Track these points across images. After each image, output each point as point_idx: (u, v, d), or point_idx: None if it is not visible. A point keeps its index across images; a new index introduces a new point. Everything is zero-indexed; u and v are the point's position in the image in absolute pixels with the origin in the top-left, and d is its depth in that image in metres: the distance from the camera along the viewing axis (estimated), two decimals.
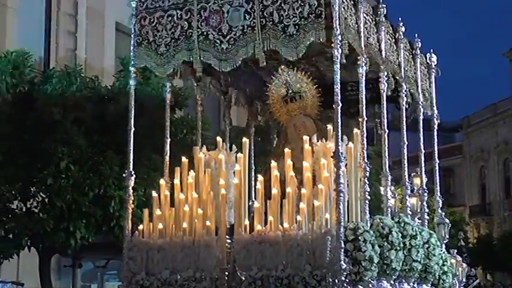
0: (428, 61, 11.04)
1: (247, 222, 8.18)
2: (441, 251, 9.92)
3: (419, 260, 8.91)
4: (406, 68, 10.31)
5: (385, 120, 9.50)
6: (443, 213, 10.40)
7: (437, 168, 10.76)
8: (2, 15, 18.32)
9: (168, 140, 9.62)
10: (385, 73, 9.52)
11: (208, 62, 8.73)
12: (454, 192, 50.46)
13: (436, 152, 10.78)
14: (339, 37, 8.07)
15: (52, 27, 19.56)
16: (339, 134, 8.00)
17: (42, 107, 12.51)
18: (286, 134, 10.03)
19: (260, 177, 8.63)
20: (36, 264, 13.83)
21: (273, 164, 8.72)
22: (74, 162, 12.25)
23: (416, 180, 10.39)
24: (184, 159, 9.14)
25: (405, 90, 10.20)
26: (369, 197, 8.38)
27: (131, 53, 9.03)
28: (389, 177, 9.00)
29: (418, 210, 10.26)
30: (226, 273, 7.99)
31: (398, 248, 8.39)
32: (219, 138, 9.60)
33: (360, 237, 7.83)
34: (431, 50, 11.10)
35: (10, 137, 12.44)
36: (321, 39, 8.14)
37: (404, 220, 8.93)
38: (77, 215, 12.25)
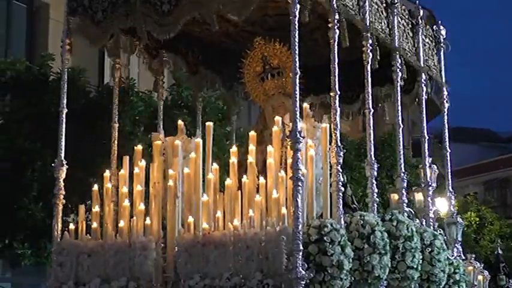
0: (435, 34, 9.35)
1: (191, 219, 6.64)
2: (450, 255, 8.23)
3: (415, 266, 7.25)
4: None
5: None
6: (455, 212, 8.67)
7: (448, 157, 9.04)
8: (57, 31, 17.41)
9: (116, 125, 8.20)
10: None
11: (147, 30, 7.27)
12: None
13: (447, 136, 9.06)
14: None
15: None
16: (296, 107, 6.41)
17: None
18: (265, 117, 8.48)
19: (215, 166, 7.11)
20: None
21: (233, 149, 7.21)
22: None
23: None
24: (138, 147, 7.68)
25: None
26: (343, 188, 6.78)
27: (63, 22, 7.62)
28: (375, 166, 7.35)
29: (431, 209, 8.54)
30: (166, 282, 6.52)
31: (382, 251, 6.76)
32: (180, 122, 8.09)
33: (325, 237, 6.23)
34: (440, 22, 9.43)
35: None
36: None
37: (398, 218, 7.28)
38: None
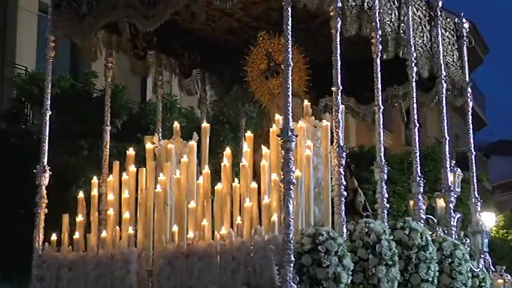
0: (457, 27, 8.61)
1: (176, 228, 6.03)
2: (475, 267, 7.47)
3: (430, 279, 6.52)
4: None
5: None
6: (480, 220, 7.90)
7: (473, 160, 8.28)
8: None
9: (108, 129, 7.66)
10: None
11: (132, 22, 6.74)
12: None
13: (472, 138, 8.32)
14: None
15: None
16: (289, 102, 5.77)
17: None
18: (270, 118, 7.84)
19: (206, 170, 6.50)
20: None
21: (227, 151, 6.60)
22: None
23: None
24: (130, 151, 7.12)
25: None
26: (345, 193, 6.10)
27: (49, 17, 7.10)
28: (385, 169, 6.65)
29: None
30: None
31: (390, 262, 6.05)
32: (176, 124, 7.51)
33: (320, 247, 5.56)
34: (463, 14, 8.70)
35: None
36: None
37: (411, 226, 6.57)
38: None
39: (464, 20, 8.72)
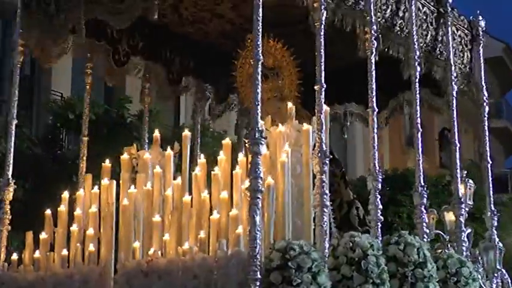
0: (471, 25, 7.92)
1: (137, 244, 5.44)
2: (487, 286, 6.74)
3: None
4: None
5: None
6: (494, 234, 7.14)
7: (489, 171, 7.53)
8: (133, 75, 17.23)
9: (86, 139, 7.14)
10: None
11: (101, 18, 6.22)
12: None
13: (488, 151, 7.57)
14: None
15: None
16: (258, 101, 5.17)
17: None
18: None
19: (177, 180, 5.91)
20: None
21: (202, 160, 6.01)
22: None
23: None
24: (106, 163, 6.59)
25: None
26: (328, 203, 5.45)
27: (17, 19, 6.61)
28: (380, 178, 5.99)
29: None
30: None
31: (378, 281, 5.35)
32: (156, 133, 6.95)
33: (290, 263, 4.89)
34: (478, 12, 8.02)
35: None
36: None
37: (406, 240, 5.86)
38: None
39: (480, 18, 8.03)
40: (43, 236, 6.09)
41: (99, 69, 7.58)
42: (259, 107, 5.18)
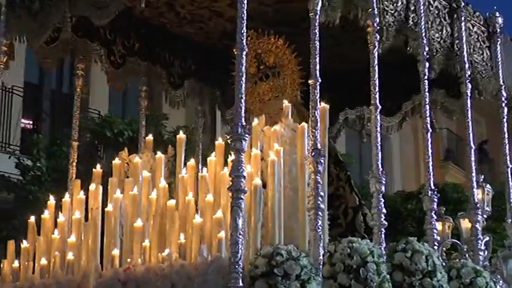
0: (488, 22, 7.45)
1: (116, 252, 5.03)
2: None
3: None
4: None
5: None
6: None
7: (509, 173, 7.02)
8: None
9: (76, 144, 6.79)
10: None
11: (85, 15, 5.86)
12: None
13: (508, 154, 7.07)
14: None
15: None
16: (242, 94, 4.76)
17: None
18: None
19: (162, 183, 5.51)
20: None
21: (191, 162, 5.61)
22: None
23: None
24: (98, 168, 6.24)
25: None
26: (322, 206, 4.99)
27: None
28: (383, 179, 5.52)
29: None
30: None
31: None
32: (149, 137, 6.57)
33: (277, 270, 4.45)
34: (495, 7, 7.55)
35: None
36: None
37: (414, 247, 5.39)
38: None
39: (497, 14, 7.55)
40: (24, 244, 5.71)
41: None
42: (242, 100, 4.74)
